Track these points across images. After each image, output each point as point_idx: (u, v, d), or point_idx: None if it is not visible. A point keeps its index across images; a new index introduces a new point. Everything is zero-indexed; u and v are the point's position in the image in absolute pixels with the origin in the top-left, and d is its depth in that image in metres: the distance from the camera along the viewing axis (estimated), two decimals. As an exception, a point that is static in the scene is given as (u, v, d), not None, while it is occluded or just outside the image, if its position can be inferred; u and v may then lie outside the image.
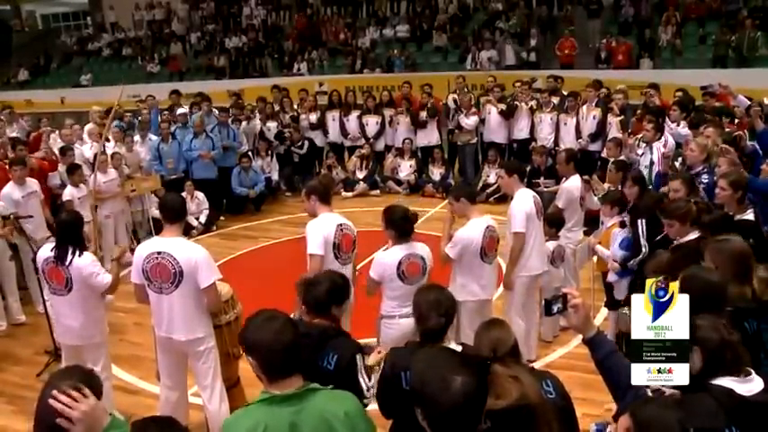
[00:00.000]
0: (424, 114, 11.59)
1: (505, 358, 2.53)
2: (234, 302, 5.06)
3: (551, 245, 5.92)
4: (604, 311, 6.18)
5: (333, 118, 12.23)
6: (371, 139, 11.94)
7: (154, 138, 10.33)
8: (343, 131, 12.11)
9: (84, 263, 4.62)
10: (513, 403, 2.42)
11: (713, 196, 5.09)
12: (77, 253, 4.62)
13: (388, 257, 4.58)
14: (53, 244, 4.74)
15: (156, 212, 9.01)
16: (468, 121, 11.23)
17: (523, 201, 5.34)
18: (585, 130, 10.11)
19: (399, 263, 4.52)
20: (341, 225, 4.85)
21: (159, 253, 4.20)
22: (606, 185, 6.63)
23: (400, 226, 4.57)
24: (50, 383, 2.29)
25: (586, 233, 6.79)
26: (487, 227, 4.96)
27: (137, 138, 10.11)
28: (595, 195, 6.46)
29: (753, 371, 2.55)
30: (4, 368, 6.12)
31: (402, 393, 2.94)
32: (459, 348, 3.07)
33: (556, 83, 11.80)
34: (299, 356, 2.46)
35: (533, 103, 11.12)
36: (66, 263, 4.59)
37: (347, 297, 3.72)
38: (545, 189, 9.11)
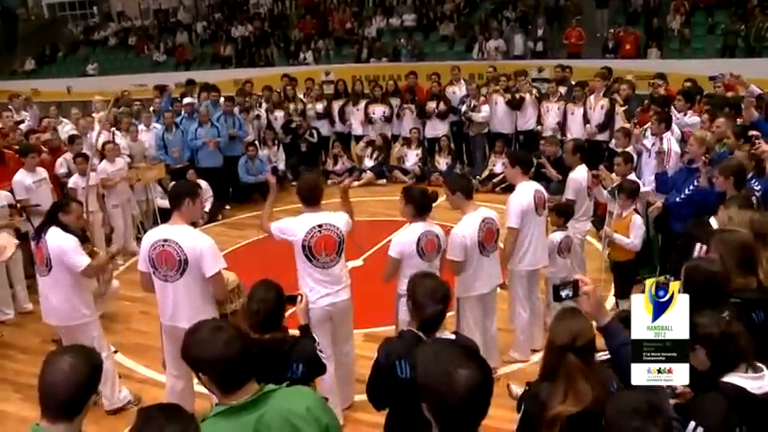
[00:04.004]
0: (433, 105, 11.51)
1: (584, 352, 2.51)
2: (240, 291, 5.05)
3: (559, 235, 5.81)
4: (612, 300, 6.19)
5: (339, 107, 12.22)
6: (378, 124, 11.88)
7: (159, 126, 10.32)
8: (342, 119, 12.11)
9: (61, 240, 4.67)
10: (586, 409, 2.40)
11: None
12: (58, 232, 4.68)
13: (406, 235, 4.64)
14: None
15: (161, 202, 9.02)
16: (482, 113, 11.15)
17: (522, 195, 5.27)
18: (593, 121, 10.03)
19: (418, 239, 4.58)
20: (320, 226, 4.59)
21: (165, 241, 4.21)
22: (614, 176, 6.57)
23: (419, 202, 4.64)
24: (49, 360, 2.29)
25: (593, 223, 6.76)
26: (483, 220, 4.86)
27: (141, 126, 10.09)
28: (604, 188, 6.38)
29: (765, 367, 2.54)
30: (11, 356, 6.15)
31: (398, 383, 2.93)
32: (452, 337, 3.07)
33: (564, 72, 11.70)
34: (251, 362, 2.35)
35: (535, 92, 11.06)
36: (44, 237, 4.67)
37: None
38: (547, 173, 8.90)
